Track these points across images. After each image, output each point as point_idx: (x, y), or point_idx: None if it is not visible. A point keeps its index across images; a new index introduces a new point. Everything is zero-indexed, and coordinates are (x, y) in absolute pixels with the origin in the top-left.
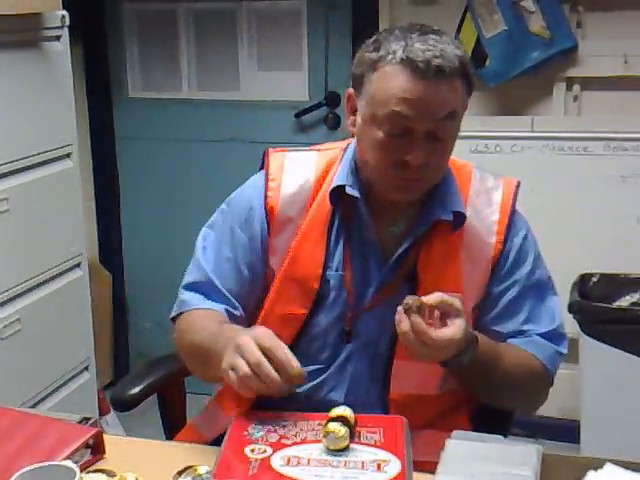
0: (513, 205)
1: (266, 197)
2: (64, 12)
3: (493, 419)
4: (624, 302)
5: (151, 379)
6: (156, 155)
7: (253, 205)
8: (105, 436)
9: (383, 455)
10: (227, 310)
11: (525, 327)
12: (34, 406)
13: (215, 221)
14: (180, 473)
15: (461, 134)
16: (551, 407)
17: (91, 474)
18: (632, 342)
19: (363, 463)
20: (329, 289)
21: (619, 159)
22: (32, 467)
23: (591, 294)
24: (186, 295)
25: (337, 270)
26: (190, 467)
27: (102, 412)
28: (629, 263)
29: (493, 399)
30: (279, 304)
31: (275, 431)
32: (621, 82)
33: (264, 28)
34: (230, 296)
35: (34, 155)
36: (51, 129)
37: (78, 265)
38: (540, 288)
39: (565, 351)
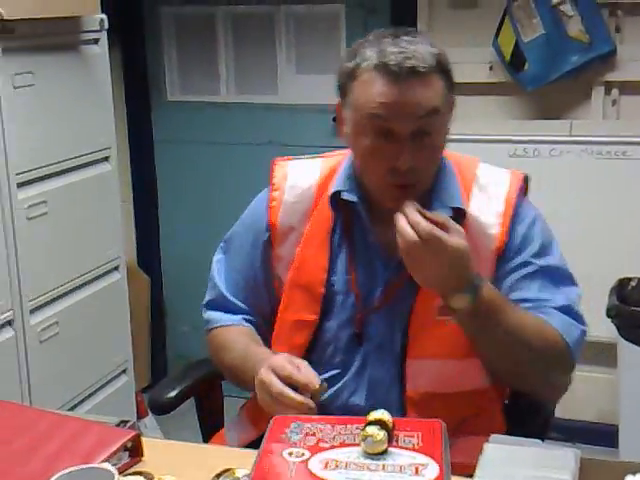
0: (518, 197)
1: (269, 208)
2: (103, 15)
3: (529, 421)
4: None
5: (188, 382)
6: (194, 158)
7: (258, 218)
8: (143, 439)
9: (421, 459)
10: (244, 319)
11: (538, 297)
12: (72, 409)
13: (229, 236)
14: (218, 476)
15: (499, 138)
16: (589, 411)
17: (129, 477)
18: None
19: (401, 467)
20: (336, 293)
21: None
22: (70, 469)
23: (630, 298)
24: (208, 314)
25: (342, 274)
26: (228, 470)
27: (140, 415)
28: None
29: (505, 364)
30: (290, 312)
31: (313, 434)
32: None
33: (302, 31)
34: (245, 307)
35: (73, 158)
36: (90, 132)
37: (116, 268)
38: (552, 274)
39: (585, 329)
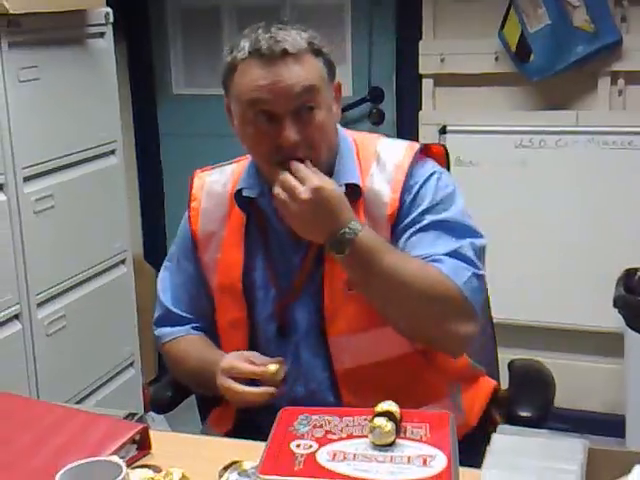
0: (412, 163)
1: (189, 218)
2: (108, 9)
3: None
4: None
5: None
6: (200, 151)
7: (184, 231)
8: (151, 432)
9: (429, 450)
10: (193, 327)
11: (429, 252)
12: (80, 402)
13: (170, 251)
14: (226, 468)
15: (505, 129)
16: (596, 401)
17: (137, 469)
18: None
19: (409, 458)
20: (257, 289)
21: None
22: (79, 462)
23: (636, 289)
24: (158, 331)
25: (262, 270)
26: (236, 462)
27: (147, 408)
28: None
29: (395, 312)
30: (222, 315)
31: (321, 426)
32: None
33: (308, 24)
34: (191, 316)
35: (78, 152)
36: (95, 126)
37: (123, 262)
38: (445, 228)
39: (479, 272)
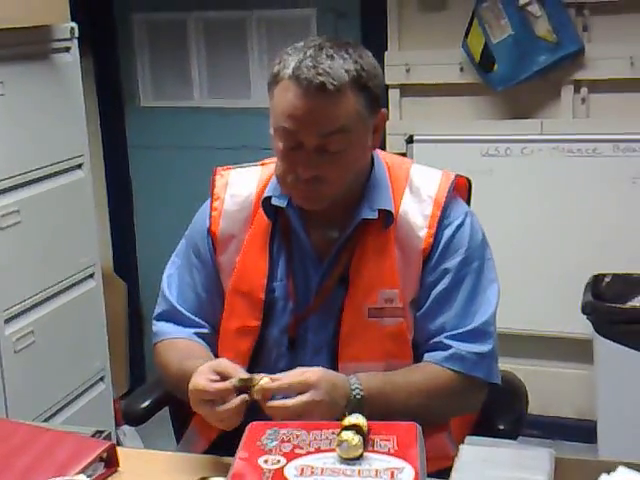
0: (447, 198)
1: (210, 217)
2: (73, 24)
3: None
4: (637, 302)
5: (161, 392)
6: (168, 163)
7: (200, 228)
8: (119, 449)
9: (396, 463)
10: (196, 333)
11: (451, 326)
12: (50, 418)
13: (179, 248)
14: None
15: (471, 138)
16: (567, 408)
17: None
18: None
19: (377, 471)
20: (276, 299)
21: (628, 160)
22: None
23: (604, 294)
24: (157, 326)
25: (281, 280)
26: (204, 478)
27: (118, 422)
28: None
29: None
30: (232, 319)
31: (289, 441)
32: (628, 84)
33: (274, 36)
34: (196, 318)
35: (46, 167)
36: (62, 140)
37: (92, 275)
38: (476, 278)
39: (486, 348)
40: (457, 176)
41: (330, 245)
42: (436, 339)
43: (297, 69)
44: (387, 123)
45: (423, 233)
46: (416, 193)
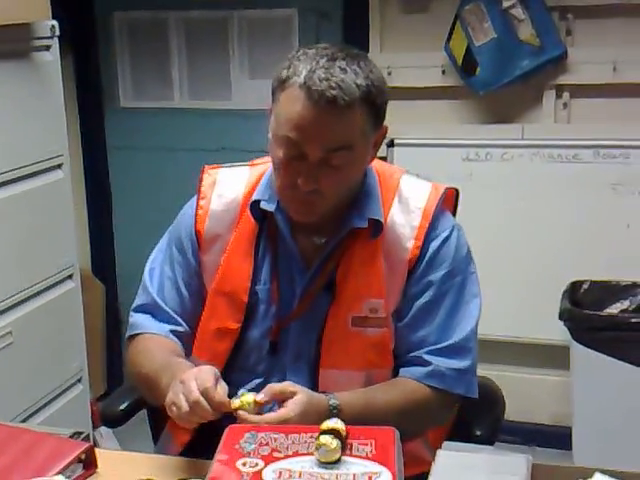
0: (436, 209)
1: (196, 216)
2: (54, 22)
3: (477, 425)
4: (615, 309)
5: (139, 394)
6: (148, 165)
7: (186, 225)
8: (97, 450)
9: (374, 467)
10: (172, 330)
11: (432, 340)
12: (27, 419)
13: (162, 242)
14: None
15: (451, 142)
16: (544, 414)
17: None
18: (623, 349)
19: (354, 475)
20: (259, 302)
21: (608, 166)
22: None
23: (582, 301)
24: (135, 317)
25: (265, 284)
26: None
27: (95, 424)
28: (620, 270)
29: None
30: (213, 319)
31: (267, 444)
32: (610, 89)
33: (255, 37)
34: (174, 314)
35: (24, 167)
36: (41, 140)
37: (70, 277)
38: (459, 292)
39: (466, 364)
40: (447, 189)
41: (317, 251)
42: (416, 353)
43: (309, 79)
44: None
45: (410, 244)
46: (405, 204)
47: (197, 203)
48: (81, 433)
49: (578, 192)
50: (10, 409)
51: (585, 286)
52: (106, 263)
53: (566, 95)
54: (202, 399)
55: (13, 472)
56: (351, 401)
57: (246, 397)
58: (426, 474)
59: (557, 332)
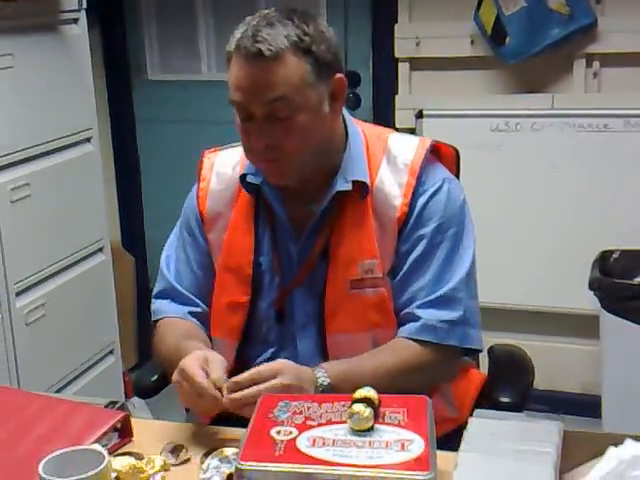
0: (423, 164)
1: (197, 198)
2: None
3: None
4: None
5: None
6: (176, 137)
7: (191, 208)
8: (132, 419)
9: (407, 435)
10: (190, 312)
11: (424, 294)
12: (60, 390)
13: (175, 229)
14: (207, 455)
15: (481, 113)
16: (573, 383)
17: (119, 457)
18: None
19: (387, 443)
20: (263, 273)
21: (639, 136)
22: (62, 451)
23: (612, 271)
24: (156, 304)
25: (267, 255)
26: (217, 449)
27: (128, 395)
28: None
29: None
30: (223, 295)
31: (300, 413)
32: None
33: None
34: (192, 296)
35: (54, 140)
36: (71, 113)
37: (101, 249)
38: (452, 245)
39: (456, 315)
40: (435, 142)
41: (308, 219)
42: (408, 310)
43: (239, 40)
44: (396, 97)
45: (398, 202)
46: (393, 162)
47: (198, 186)
48: (116, 402)
49: (608, 162)
50: (44, 380)
51: (615, 255)
52: (136, 236)
53: (596, 64)
54: (205, 382)
55: (50, 441)
56: (333, 365)
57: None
58: (453, 433)
59: (587, 301)
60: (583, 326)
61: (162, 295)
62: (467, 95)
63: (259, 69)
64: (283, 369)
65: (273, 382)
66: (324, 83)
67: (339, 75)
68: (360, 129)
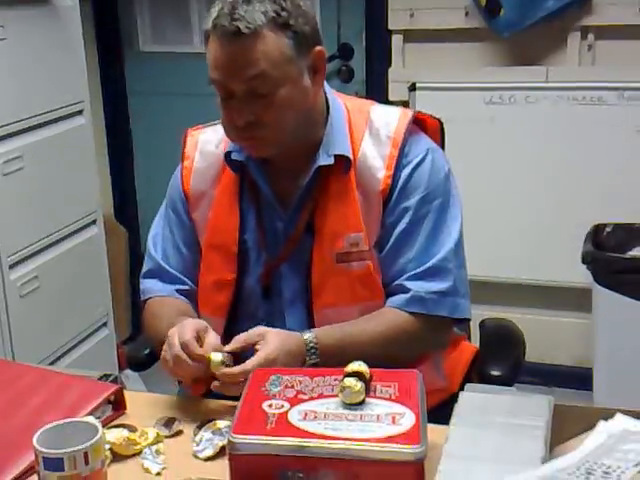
0: (405, 136)
1: (182, 177)
2: None
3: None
4: (637, 252)
5: None
6: (168, 110)
7: (176, 187)
8: (126, 392)
9: (398, 408)
10: (178, 290)
11: (412, 266)
12: (54, 362)
13: (161, 209)
14: (200, 427)
15: (475, 85)
16: (565, 355)
17: (113, 429)
18: None
19: (378, 416)
20: (249, 250)
21: (633, 109)
22: (56, 423)
23: (605, 244)
24: (144, 284)
25: (252, 232)
26: (209, 421)
27: (121, 367)
28: None
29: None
30: (210, 273)
31: (292, 386)
32: (636, 30)
33: None
34: (179, 274)
35: (46, 112)
36: (63, 86)
37: (94, 222)
38: (438, 216)
39: (445, 285)
40: (417, 112)
41: (293, 194)
42: (397, 282)
43: (216, 18)
44: (389, 70)
45: (382, 174)
46: (375, 135)
47: (182, 165)
48: (109, 375)
49: (602, 135)
50: (38, 352)
51: (608, 229)
52: (128, 209)
53: (591, 37)
54: (182, 352)
55: (44, 413)
56: (326, 331)
57: (214, 360)
58: (442, 405)
59: (580, 275)
60: (575, 299)
61: (150, 275)
62: (461, 68)
63: (238, 47)
64: (267, 336)
65: (260, 357)
66: (304, 57)
67: (319, 47)
68: (342, 102)
